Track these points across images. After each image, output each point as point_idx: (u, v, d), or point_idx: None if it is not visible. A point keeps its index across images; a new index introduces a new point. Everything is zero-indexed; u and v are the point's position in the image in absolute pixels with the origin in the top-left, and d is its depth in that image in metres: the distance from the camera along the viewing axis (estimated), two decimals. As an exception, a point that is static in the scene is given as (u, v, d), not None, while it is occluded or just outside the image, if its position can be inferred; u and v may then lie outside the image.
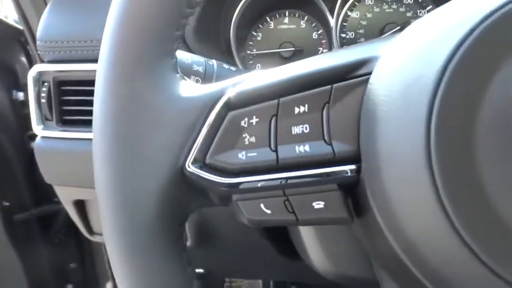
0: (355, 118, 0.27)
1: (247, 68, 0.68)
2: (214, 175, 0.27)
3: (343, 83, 0.27)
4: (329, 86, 0.27)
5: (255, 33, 0.69)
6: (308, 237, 0.41)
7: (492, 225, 0.21)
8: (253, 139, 0.27)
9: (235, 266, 0.78)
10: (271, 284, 1.14)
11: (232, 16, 0.60)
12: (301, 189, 0.27)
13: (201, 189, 0.28)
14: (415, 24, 0.27)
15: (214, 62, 0.42)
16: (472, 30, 0.22)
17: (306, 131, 0.27)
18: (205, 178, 0.27)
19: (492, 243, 0.21)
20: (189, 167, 0.27)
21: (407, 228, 0.24)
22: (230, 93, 0.28)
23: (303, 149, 0.27)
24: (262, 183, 0.27)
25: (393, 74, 0.25)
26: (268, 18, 0.69)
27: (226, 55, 0.61)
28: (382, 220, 0.25)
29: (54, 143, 0.58)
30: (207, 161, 0.27)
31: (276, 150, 0.27)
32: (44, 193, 0.88)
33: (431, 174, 0.22)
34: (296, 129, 0.27)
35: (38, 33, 0.57)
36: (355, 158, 0.26)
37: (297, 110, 0.27)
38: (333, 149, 0.26)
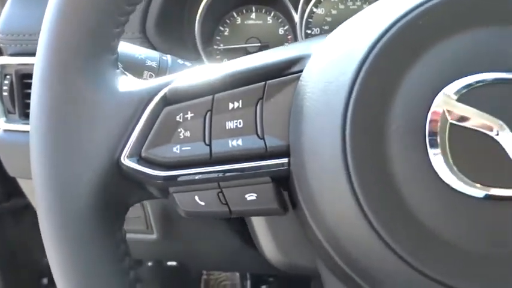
0: (287, 114, 0.28)
1: (214, 62, 0.68)
2: (150, 168, 0.28)
3: (277, 79, 0.28)
4: (263, 83, 0.28)
5: (222, 28, 0.70)
6: (259, 227, 0.42)
7: (402, 216, 0.23)
8: (188, 134, 0.28)
9: (205, 259, 0.79)
10: (247, 276, 1.15)
11: (197, 11, 0.61)
12: (234, 181, 0.28)
13: (138, 182, 0.29)
14: (344, 23, 0.28)
15: (168, 57, 0.43)
16: (386, 31, 0.24)
17: (239, 126, 0.28)
18: (140, 171, 0.28)
19: (402, 233, 0.23)
20: (124, 160, 0.28)
21: (328, 219, 0.25)
22: (167, 89, 0.29)
23: (236, 143, 0.28)
24: (197, 176, 0.28)
25: (319, 71, 0.26)
26: (235, 14, 0.70)
27: (191, 50, 0.62)
28: (307, 211, 0.26)
29: (16, 136, 0.58)
30: (143, 154, 0.28)
31: (209, 145, 0.28)
32: (15, 186, 0.88)
33: (347, 168, 0.23)
34: (230, 124, 0.28)
35: (0, 26, 0.57)
36: (286, 152, 0.27)
37: (231, 105, 0.28)
38: (265, 143, 0.27)
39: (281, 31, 0.72)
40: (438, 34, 0.24)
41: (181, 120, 0.28)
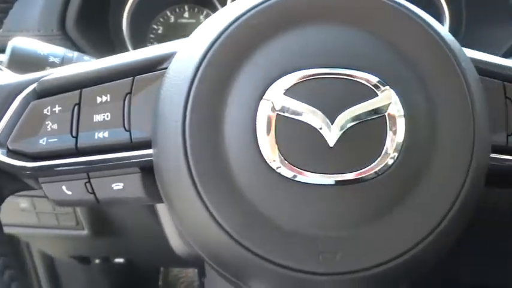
0: (152, 108, 0.29)
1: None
2: (18, 160, 0.29)
3: (144, 75, 0.29)
4: (131, 78, 0.29)
5: (156, 27, 0.71)
6: (164, 217, 0.43)
7: (235, 200, 0.25)
8: (55, 126, 0.29)
9: (145, 254, 0.80)
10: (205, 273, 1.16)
11: (122, 8, 0.62)
12: (103, 172, 0.29)
13: (10, 173, 0.30)
14: (204, 21, 0.30)
15: (75, 53, 0.44)
16: (224, 30, 0.25)
17: (107, 119, 0.29)
18: (8, 163, 0.29)
19: (236, 217, 0.25)
20: None
21: (175, 207, 0.27)
22: (36, 83, 0.30)
23: (102, 135, 0.29)
24: (63, 167, 0.29)
25: (175, 68, 0.28)
26: (168, 12, 0.71)
27: (119, 48, 0.63)
28: (165, 200, 0.28)
29: None
30: (10, 146, 0.29)
31: (76, 137, 0.29)
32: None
33: (186, 158, 0.25)
34: (98, 117, 0.29)
35: None
36: (150, 144, 0.29)
37: (99, 99, 0.29)
38: (130, 135, 0.29)
39: (213, 30, 0.73)
40: (268, 33, 0.26)
41: (49, 114, 0.29)
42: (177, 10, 0.72)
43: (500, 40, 0.53)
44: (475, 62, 0.29)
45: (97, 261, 0.90)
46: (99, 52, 0.55)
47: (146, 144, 0.29)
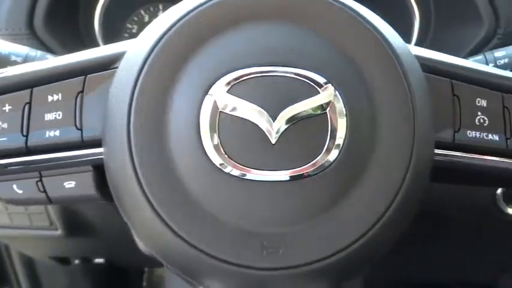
0: (104, 106, 0.29)
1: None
2: None
3: (96, 74, 0.30)
4: (83, 77, 0.29)
5: (130, 26, 0.71)
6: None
7: (179, 195, 0.25)
8: (5, 125, 0.29)
9: (121, 254, 0.79)
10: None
11: (93, 6, 0.62)
12: (53, 170, 0.29)
13: None
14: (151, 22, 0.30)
15: (38, 52, 0.44)
16: (169, 29, 0.26)
17: (58, 118, 0.29)
18: None
19: (179, 213, 0.25)
20: None
21: (123, 206, 0.27)
22: None
23: (53, 133, 0.29)
24: (14, 166, 0.29)
25: (122, 66, 0.28)
26: (142, 12, 0.71)
27: (90, 48, 0.63)
28: (115, 199, 0.28)
29: None
30: None
31: (26, 135, 0.29)
32: None
33: (131, 155, 0.25)
34: (49, 116, 0.29)
35: None
36: (101, 143, 0.29)
37: (50, 98, 0.29)
38: (82, 134, 0.29)
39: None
40: (211, 32, 0.26)
41: None
42: (151, 9, 0.72)
43: (466, 39, 0.54)
44: (422, 60, 0.29)
45: (77, 261, 0.90)
46: (70, 52, 0.55)
47: (98, 143, 0.29)
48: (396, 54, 0.26)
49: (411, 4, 0.64)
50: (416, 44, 0.60)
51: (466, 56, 0.49)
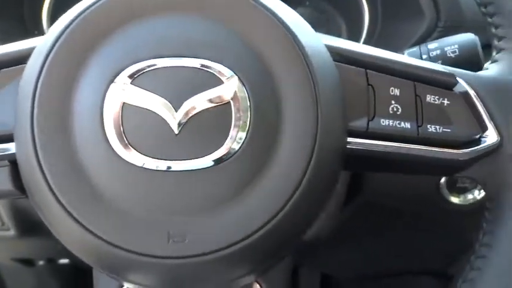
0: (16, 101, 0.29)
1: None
2: None
3: (10, 68, 0.29)
4: None
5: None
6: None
7: (83, 187, 0.25)
8: None
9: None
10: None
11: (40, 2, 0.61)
12: None
13: None
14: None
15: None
16: (71, 22, 0.26)
17: None
18: None
19: (85, 205, 0.25)
20: None
21: (34, 201, 0.27)
22: None
23: None
24: None
25: (30, 60, 0.28)
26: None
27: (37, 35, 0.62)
28: (28, 194, 0.28)
29: None
30: None
31: None
32: None
33: (35, 151, 0.25)
34: None
35: None
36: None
37: None
38: None
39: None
40: (114, 25, 0.26)
41: None
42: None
43: (410, 33, 0.55)
44: (336, 50, 0.30)
45: (41, 263, 0.88)
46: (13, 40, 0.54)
47: (12, 138, 0.29)
48: (301, 45, 0.26)
49: (361, 0, 0.65)
50: (366, 38, 0.62)
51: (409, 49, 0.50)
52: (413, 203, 0.54)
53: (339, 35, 0.64)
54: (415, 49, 0.46)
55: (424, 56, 0.45)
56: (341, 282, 0.76)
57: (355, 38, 0.62)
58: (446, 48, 0.43)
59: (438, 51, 0.44)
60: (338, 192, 0.46)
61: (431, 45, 0.45)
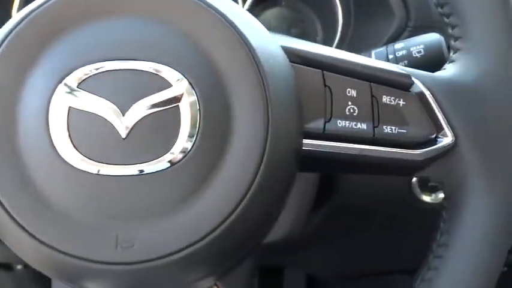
0: None
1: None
2: None
3: None
4: None
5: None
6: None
7: (29, 193, 0.25)
8: None
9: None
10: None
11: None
12: None
13: None
14: None
15: None
16: (17, 24, 0.26)
17: None
18: None
19: (29, 210, 0.25)
20: None
21: None
22: None
23: None
24: None
25: None
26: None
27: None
28: None
29: None
30: None
31: None
32: None
33: None
34: None
35: None
36: None
37: None
38: None
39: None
40: (60, 28, 0.26)
41: None
42: None
43: (381, 33, 0.56)
44: (292, 51, 0.30)
45: (19, 267, 0.87)
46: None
47: None
48: (250, 47, 0.26)
49: (335, 1, 0.65)
50: (340, 37, 0.62)
51: (376, 49, 0.50)
52: (387, 203, 0.54)
53: (314, 35, 0.65)
54: (382, 49, 0.46)
55: (391, 56, 0.45)
56: (328, 283, 0.76)
57: (330, 37, 0.63)
58: (412, 49, 0.43)
59: (404, 52, 0.44)
60: (307, 194, 0.46)
61: (398, 45, 0.45)
